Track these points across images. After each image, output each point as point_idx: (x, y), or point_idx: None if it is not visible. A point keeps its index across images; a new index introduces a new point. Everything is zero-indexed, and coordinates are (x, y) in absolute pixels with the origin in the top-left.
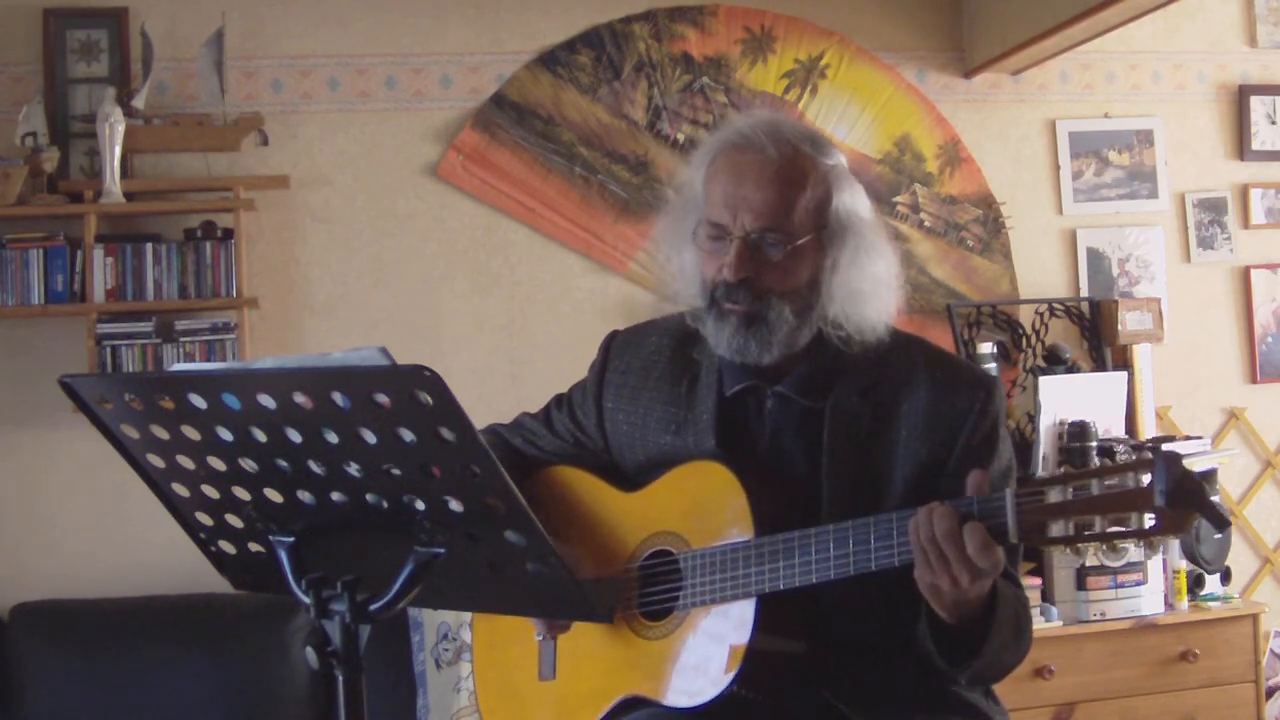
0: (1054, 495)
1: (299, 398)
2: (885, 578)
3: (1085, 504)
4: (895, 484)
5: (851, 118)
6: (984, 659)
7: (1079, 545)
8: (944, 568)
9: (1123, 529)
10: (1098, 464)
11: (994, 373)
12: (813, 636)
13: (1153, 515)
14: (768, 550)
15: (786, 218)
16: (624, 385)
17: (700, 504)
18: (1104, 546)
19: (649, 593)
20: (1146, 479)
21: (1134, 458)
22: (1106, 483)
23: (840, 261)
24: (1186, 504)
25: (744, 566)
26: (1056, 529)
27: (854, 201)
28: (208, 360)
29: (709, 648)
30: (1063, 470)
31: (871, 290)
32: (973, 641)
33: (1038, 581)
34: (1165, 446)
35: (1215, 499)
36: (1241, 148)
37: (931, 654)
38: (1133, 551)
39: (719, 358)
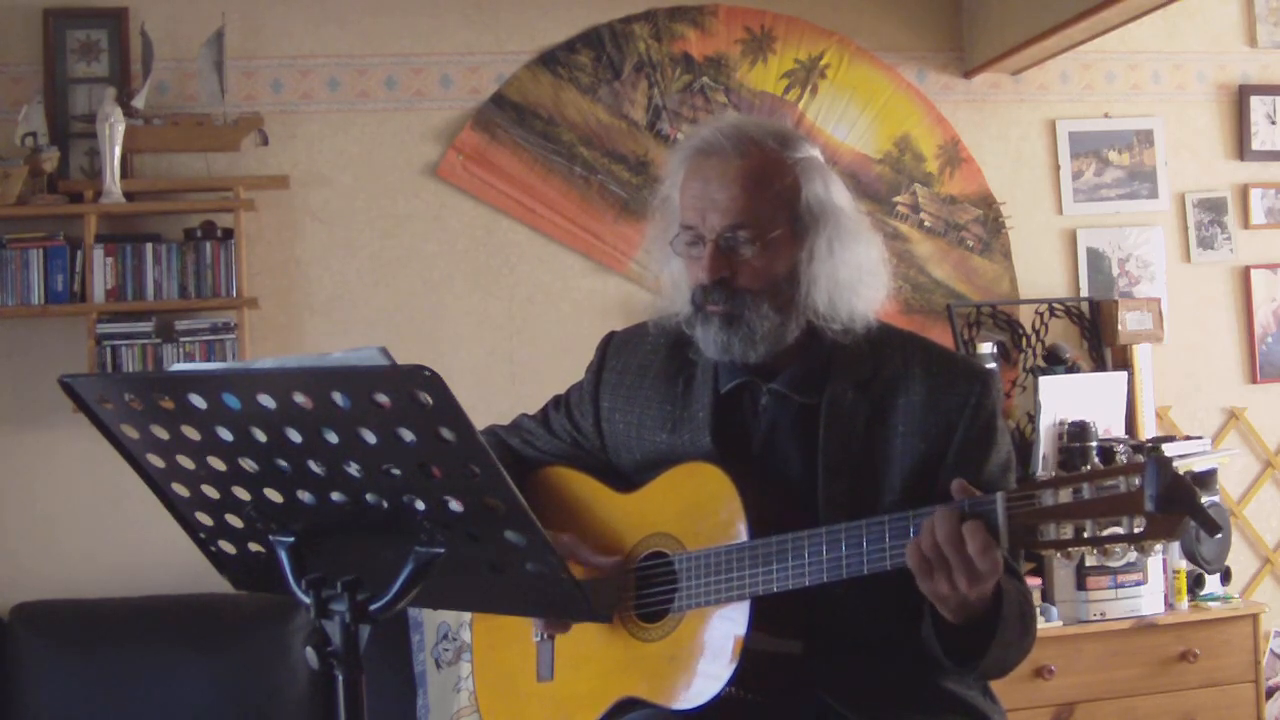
0: (1045, 499)
1: (299, 398)
2: (881, 578)
3: (1076, 508)
4: (892, 479)
5: (851, 118)
6: (990, 657)
7: (1070, 549)
8: (945, 573)
9: (1114, 533)
10: (1095, 465)
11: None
12: (809, 637)
13: (1143, 519)
14: (761, 552)
15: (754, 214)
16: (620, 385)
17: (695, 506)
18: (1095, 550)
19: (645, 594)
20: (1137, 482)
21: (1126, 461)
22: (1097, 486)
23: (817, 251)
24: (1177, 508)
25: (738, 569)
26: (1047, 533)
27: (827, 192)
28: (208, 360)
29: (704, 649)
30: (1054, 473)
31: (856, 278)
32: (979, 641)
33: (1038, 581)
34: (1165, 447)
35: (1215, 500)
36: (1241, 148)
37: (937, 654)
38: (1129, 552)
39: None
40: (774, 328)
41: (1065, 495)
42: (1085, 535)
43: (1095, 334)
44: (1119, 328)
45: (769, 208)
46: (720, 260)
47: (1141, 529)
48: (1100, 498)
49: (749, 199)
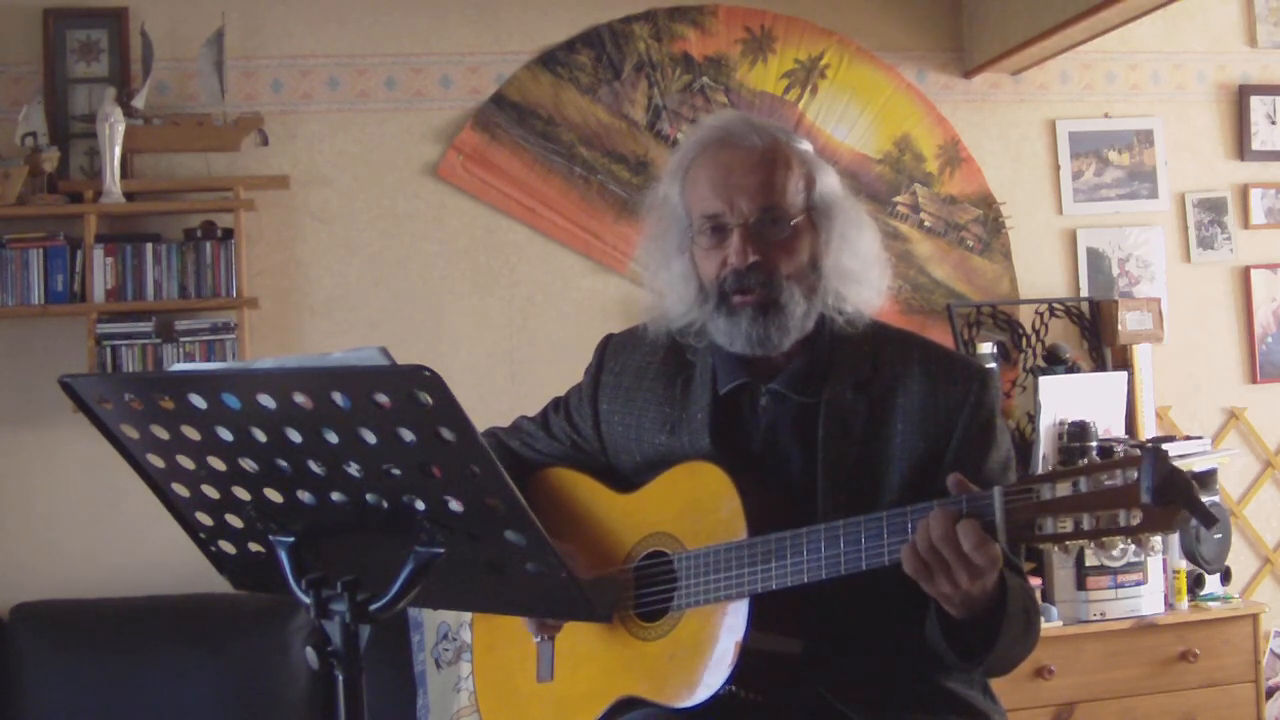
0: (1043, 493)
1: (299, 398)
2: (881, 576)
3: (1074, 501)
4: (892, 478)
5: (851, 118)
6: (995, 653)
7: (1068, 543)
8: (944, 573)
9: (1111, 526)
10: (1093, 460)
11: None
12: (809, 635)
13: (1139, 512)
14: (760, 550)
15: (781, 197)
16: (619, 387)
17: (695, 505)
18: (1093, 544)
19: (644, 594)
20: (1134, 475)
21: (1123, 455)
22: (1095, 480)
23: (832, 241)
24: (1173, 500)
25: (737, 567)
26: (1046, 527)
27: (832, 184)
28: (208, 360)
29: (704, 648)
30: (1051, 468)
31: (863, 269)
32: (985, 637)
33: (1038, 581)
34: (1165, 447)
35: (1215, 499)
36: (1241, 148)
37: (941, 650)
38: (1131, 550)
39: (713, 356)
40: (803, 315)
41: (1063, 489)
42: (1083, 528)
43: (1095, 334)
44: (1119, 328)
45: (792, 194)
46: (750, 243)
47: (1138, 521)
48: (1097, 491)
49: (775, 183)
